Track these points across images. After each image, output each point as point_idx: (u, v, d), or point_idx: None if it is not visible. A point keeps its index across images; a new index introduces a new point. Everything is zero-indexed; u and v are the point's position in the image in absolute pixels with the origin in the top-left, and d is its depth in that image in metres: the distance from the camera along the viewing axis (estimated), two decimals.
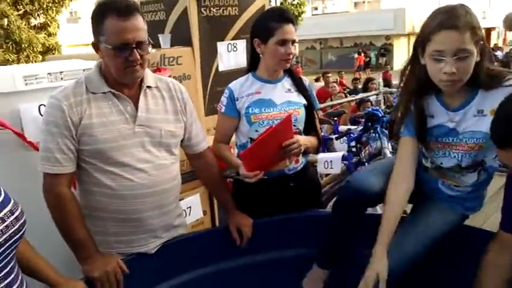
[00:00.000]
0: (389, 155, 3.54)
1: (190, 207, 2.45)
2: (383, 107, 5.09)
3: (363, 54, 22.85)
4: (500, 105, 1.19)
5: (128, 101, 1.55)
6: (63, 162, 1.49)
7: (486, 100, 1.40)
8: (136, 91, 1.58)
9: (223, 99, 1.91)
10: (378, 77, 10.12)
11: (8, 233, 1.14)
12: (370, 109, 3.45)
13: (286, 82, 1.91)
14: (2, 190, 1.19)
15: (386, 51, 25.95)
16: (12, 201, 1.20)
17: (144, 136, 1.57)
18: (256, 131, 1.83)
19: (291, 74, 1.93)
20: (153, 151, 1.59)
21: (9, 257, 1.17)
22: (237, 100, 1.87)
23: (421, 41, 1.39)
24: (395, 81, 10.38)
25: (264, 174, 1.70)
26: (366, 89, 7.11)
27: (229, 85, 1.92)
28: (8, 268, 1.16)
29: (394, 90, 5.36)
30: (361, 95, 5.57)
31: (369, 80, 7.65)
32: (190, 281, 1.73)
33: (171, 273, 1.70)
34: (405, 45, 26.54)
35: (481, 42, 1.35)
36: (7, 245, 1.13)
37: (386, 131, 3.56)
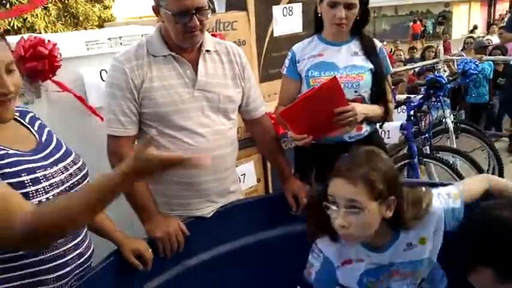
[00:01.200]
0: (450, 124, 3.38)
1: (244, 174, 2.46)
2: (445, 75, 4.83)
3: (418, 22, 21.73)
4: (462, 231, 1.12)
5: (187, 65, 1.55)
6: (126, 125, 1.51)
7: (411, 233, 1.31)
8: (196, 55, 1.57)
9: (286, 61, 1.87)
10: (436, 47, 9.60)
11: (72, 181, 1.19)
12: (432, 75, 3.26)
13: (354, 45, 1.82)
14: (64, 143, 1.23)
15: (444, 19, 24.51)
16: (74, 153, 1.24)
17: (202, 100, 1.56)
18: None
19: (361, 36, 1.82)
20: (211, 116, 1.58)
21: None
22: (298, 62, 1.81)
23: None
24: (454, 51, 9.82)
25: (317, 139, 1.64)
26: (423, 57, 6.76)
27: (293, 47, 1.87)
28: None
29: (456, 57, 5.06)
30: (420, 63, 5.30)
31: (427, 48, 7.26)
32: (245, 247, 1.73)
33: (226, 237, 1.71)
34: (466, 13, 24.96)
35: (391, 198, 1.22)
36: (73, 191, 1.18)
37: (448, 100, 3.39)
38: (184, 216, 1.62)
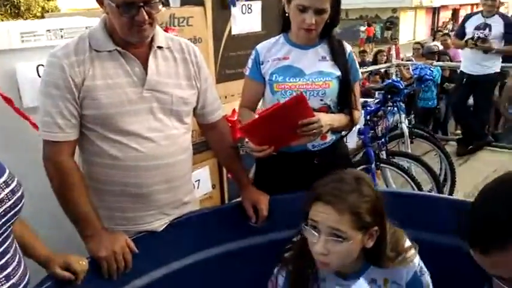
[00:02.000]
0: (406, 129, 3.41)
1: (199, 180, 2.34)
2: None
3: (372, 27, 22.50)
4: (476, 207, 0.86)
5: (135, 62, 1.40)
6: (65, 129, 1.35)
7: (379, 271, 1.25)
8: (146, 51, 1.42)
9: (249, 61, 1.75)
10: (387, 51, 9.85)
11: (3, 207, 1.00)
12: (390, 80, 3.27)
13: (322, 49, 1.70)
14: None
15: (392, 24, 25.46)
16: (7, 172, 1.05)
17: (153, 102, 1.42)
18: (278, 100, 1.65)
19: (330, 39, 1.70)
20: (163, 119, 1.45)
21: (5, 234, 1.03)
22: (262, 64, 1.69)
23: (304, 206, 1.21)
24: (402, 55, 10.13)
25: (277, 150, 1.54)
26: (375, 61, 6.87)
27: (257, 46, 1.75)
28: (3, 247, 1.03)
29: (408, 62, 5.17)
30: (373, 67, 5.37)
31: (378, 52, 7.40)
32: (200, 262, 1.60)
33: (179, 253, 1.57)
34: (412, 19, 26.05)
35: (370, 228, 1.17)
36: (2, 220, 0.99)
37: (403, 105, 3.42)
38: (131, 231, 1.46)
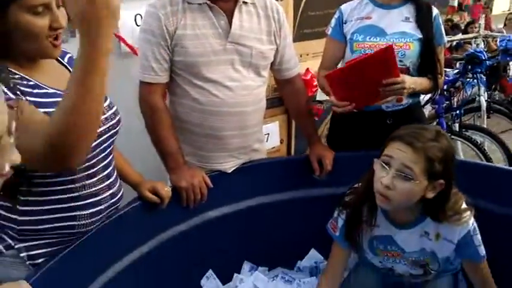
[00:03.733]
0: (484, 103, 3.28)
1: (268, 134, 2.46)
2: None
3: None
4: None
5: (222, 15, 1.50)
6: (158, 72, 1.49)
7: (433, 225, 1.32)
8: (232, 5, 1.52)
9: (333, 20, 1.79)
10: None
11: (107, 125, 1.19)
12: (472, 50, 3.13)
13: (406, 9, 1.70)
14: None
15: None
16: (108, 99, 1.24)
17: (234, 54, 1.53)
18: None
19: (417, 0, 1.69)
20: (241, 70, 1.55)
21: (109, 149, 1.23)
22: (345, 23, 1.73)
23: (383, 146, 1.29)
24: (494, 26, 9.34)
25: (357, 108, 1.59)
26: (466, 32, 6.44)
27: (342, 6, 1.78)
28: (107, 160, 1.24)
29: (497, 34, 4.83)
30: (458, 37, 5.08)
31: (469, 24, 6.92)
32: (265, 205, 1.75)
33: (246, 194, 1.72)
34: None
35: (440, 181, 1.23)
36: (107, 135, 1.19)
37: (485, 78, 3.27)
38: (207, 168, 1.63)
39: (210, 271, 1.71)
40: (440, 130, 1.28)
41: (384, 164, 1.25)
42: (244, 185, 1.70)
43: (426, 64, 1.70)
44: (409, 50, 1.66)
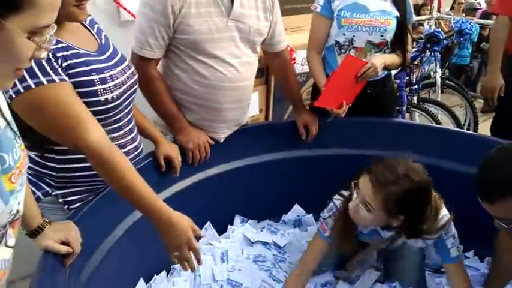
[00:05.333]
0: (439, 79, 3.61)
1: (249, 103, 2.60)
2: None
3: None
4: (483, 163, 1.15)
5: None
6: (154, 48, 1.52)
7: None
8: None
9: None
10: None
11: (129, 83, 1.31)
12: (431, 30, 3.42)
13: None
14: (118, 50, 1.34)
15: None
16: (127, 58, 1.35)
17: (234, 31, 1.58)
18: (344, 34, 1.88)
19: None
20: (241, 47, 1.62)
21: (130, 107, 1.35)
22: (333, 1, 1.88)
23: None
24: (446, 7, 9.82)
25: (352, 102, 1.84)
26: (418, 13, 6.81)
27: None
28: (130, 115, 1.37)
29: (449, 16, 5.19)
30: (414, 18, 5.37)
31: (422, 6, 7.29)
32: (254, 165, 1.94)
33: (240, 155, 1.90)
34: None
35: (400, 217, 1.37)
36: (129, 92, 1.31)
37: (440, 56, 3.58)
38: None
39: (208, 223, 1.89)
40: (409, 170, 1.33)
41: (355, 190, 1.41)
42: (239, 146, 1.87)
43: (399, 40, 1.92)
44: (389, 26, 1.87)
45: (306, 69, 2.74)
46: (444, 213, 1.46)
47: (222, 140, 1.78)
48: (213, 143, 1.73)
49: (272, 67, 2.00)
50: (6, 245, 0.79)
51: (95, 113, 1.16)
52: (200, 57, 1.57)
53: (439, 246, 1.52)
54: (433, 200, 1.41)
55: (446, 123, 3.40)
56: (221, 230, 1.95)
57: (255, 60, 1.73)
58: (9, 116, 0.82)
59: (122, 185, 1.10)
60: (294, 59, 2.64)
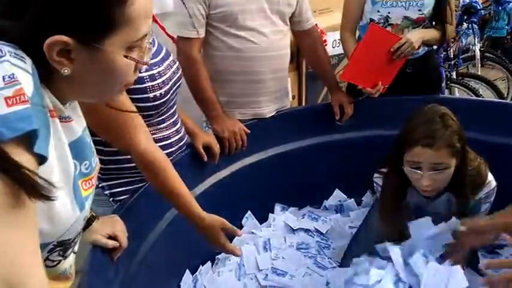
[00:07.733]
0: (478, 52, 3.44)
1: None
2: None
3: None
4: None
5: None
6: (197, 27, 1.58)
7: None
8: None
9: None
10: None
11: (175, 78, 1.32)
12: (468, 0, 3.26)
13: None
14: (162, 45, 1.34)
15: None
16: (172, 55, 1.35)
17: (263, 2, 1.62)
18: (378, 11, 1.81)
19: None
20: (271, 17, 1.66)
21: (174, 99, 1.37)
22: None
23: (399, 147, 1.37)
24: None
25: (388, 83, 1.77)
26: None
27: None
28: (174, 108, 1.38)
29: None
30: None
31: None
32: (293, 151, 1.91)
33: (277, 141, 1.88)
34: None
35: (461, 152, 1.34)
36: (175, 87, 1.32)
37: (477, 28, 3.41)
38: (248, 113, 1.77)
39: (249, 212, 1.89)
40: (442, 113, 1.35)
41: (415, 170, 1.34)
42: (274, 133, 1.84)
43: (438, 13, 1.82)
44: (426, 0, 1.79)
45: (337, 51, 2.70)
46: (491, 178, 1.44)
47: (268, 116, 1.80)
48: (249, 131, 1.72)
49: (303, 47, 1.98)
50: (73, 252, 0.79)
51: (143, 110, 1.17)
52: (232, 30, 1.61)
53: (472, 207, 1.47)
54: (477, 163, 1.42)
55: (489, 97, 3.25)
56: (262, 218, 1.93)
57: (287, 31, 1.75)
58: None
59: (164, 191, 1.15)
60: (325, 41, 2.58)
